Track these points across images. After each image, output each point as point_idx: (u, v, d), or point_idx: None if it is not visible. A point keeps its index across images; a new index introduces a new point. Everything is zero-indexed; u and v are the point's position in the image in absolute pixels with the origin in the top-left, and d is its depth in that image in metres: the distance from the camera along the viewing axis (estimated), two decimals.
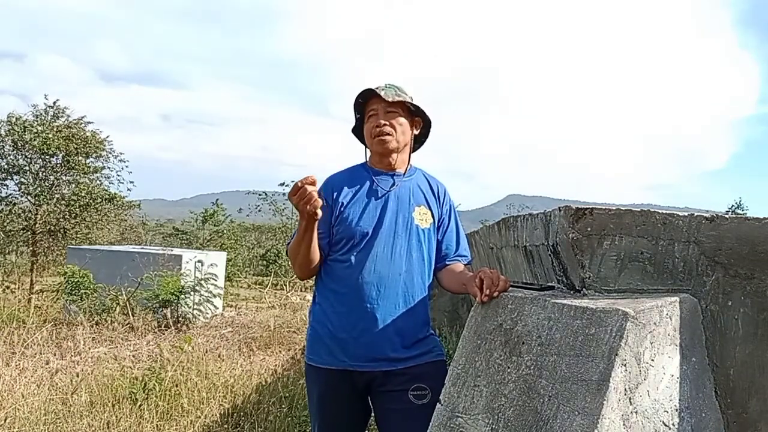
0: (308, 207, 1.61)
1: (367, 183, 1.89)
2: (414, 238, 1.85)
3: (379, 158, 1.91)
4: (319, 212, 1.65)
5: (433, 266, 1.90)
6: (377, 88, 1.85)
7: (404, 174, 1.93)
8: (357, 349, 1.76)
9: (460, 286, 1.79)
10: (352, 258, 1.80)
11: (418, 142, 2.01)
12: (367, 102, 1.89)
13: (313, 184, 1.60)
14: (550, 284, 1.70)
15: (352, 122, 1.99)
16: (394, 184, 1.89)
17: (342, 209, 1.84)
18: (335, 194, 1.86)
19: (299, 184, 1.59)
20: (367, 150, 1.97)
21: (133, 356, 5.31)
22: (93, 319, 6.95)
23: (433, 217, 1.91)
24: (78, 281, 7.80)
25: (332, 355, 1.80)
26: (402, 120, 1.88)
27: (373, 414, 1.90)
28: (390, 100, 1.84)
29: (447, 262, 1.92)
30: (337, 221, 1.84)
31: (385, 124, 1.84)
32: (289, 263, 1.99)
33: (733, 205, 20.42)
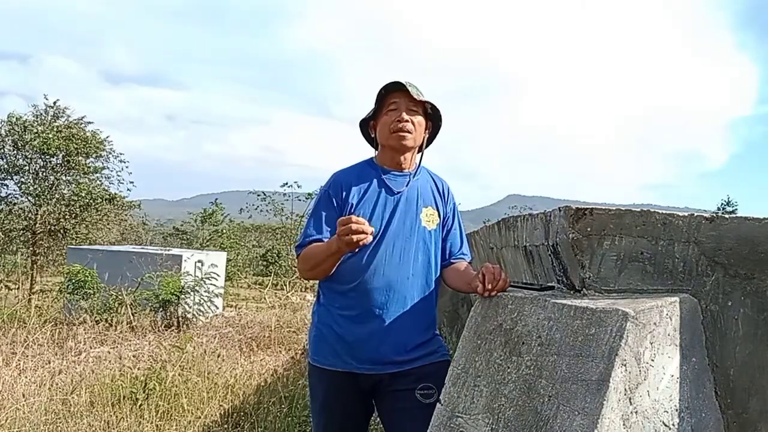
0: (354, 239, 1.56)
1: (376, 182, 1.86)
2: (421, 241, 1.83)
3: (392, 155, 1.87)
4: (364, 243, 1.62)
5: (439, 268, 1.88)
6: (404, 83, 1.81)
7: (413, 174, 1.90)
8: (364, 353, 1.75)
9: (466, 285, 1.78)
10: (360, 261, 1.77)
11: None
12: (388, 95, 1.84)
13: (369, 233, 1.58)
14: (550, 284, 1.70)
15: (354, 123, 1.96)
16: (407, 184, 1.86)
17: (351, 210, 1.80)
18: (344, 193, 1.83)
19: (355, 227, 1.54)
20: (376, 151, 1.93)
21: (134, 356, 5.30)
22: (94, 319, 6.95)
23: (439, 216, 1.90)
24: (82, 280, 7.79)
25: (338, 357, 1.79)
26: (421, 120, 1.86)
27: (376, 414, 1.90)
28: (415, 97, 1.81)
29: (452, 261, 1.91)
30: None
31: (407, 120, 1.81)
32: (290, 263, 1.97)
33: (722, 203, 20.28)
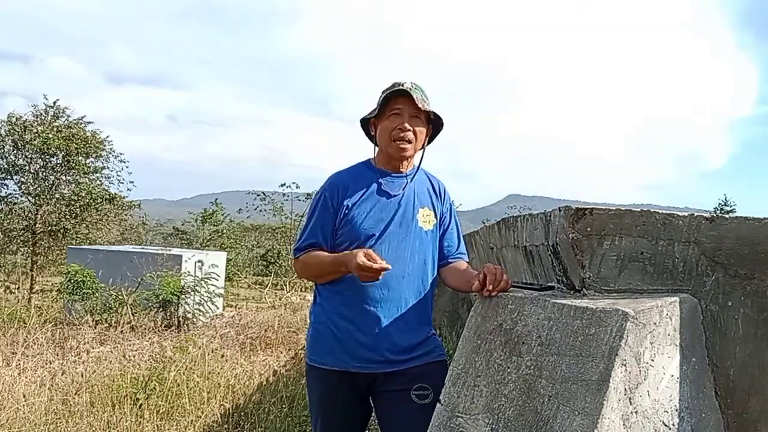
0: (369, 274, 1.64)
1: (374, 185, 1.86)
2: (417, 241, 1.84)
3: (389, 160, 1.88)
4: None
5: (435, 268, 1.90)
6: (409, 89, 1.80)
7: (410, 176, 1.90)
8: (359, 351, 1.76)
9: (466, 284, 1.79)
10: None
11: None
12: (393, 97, 1.82)
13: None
14: (550, 284, 1.70)
15: (355, 123, 1.95)
16: (403, 187, 1.87)
17: (347, 211, 1.82)
18: (341, 196, 1.83)
19: (376, 267, 1.62)
20: (376, 147, 1.93)
21: (134, 356, 5.31)
22: (95, 319, 6.96)
23: (436, 217, 1.90)
24: (82, 280, 7.79)
25: (334, 355, 1.79)
26: (422, 129, 1.86)
27: (374, 414, 1.91)
28: (420, 106, 1.80)
29: (450, 260, 1.92)
30: (341, 224, 1.82)
31: (409, 130, 1.81)
32: (290, 263, 1.99)
33: (719, 203, 20.23)
